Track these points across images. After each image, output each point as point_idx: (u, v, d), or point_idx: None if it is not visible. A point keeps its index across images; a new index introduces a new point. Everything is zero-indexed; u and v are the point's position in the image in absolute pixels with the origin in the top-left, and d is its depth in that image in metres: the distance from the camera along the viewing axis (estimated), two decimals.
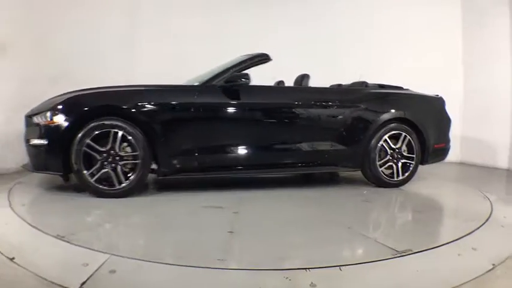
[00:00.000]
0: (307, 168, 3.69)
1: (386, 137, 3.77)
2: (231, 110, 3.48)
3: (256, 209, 3.05)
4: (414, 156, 3.88)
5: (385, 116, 3.79)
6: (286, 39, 5.66)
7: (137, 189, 3.26)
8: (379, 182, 3.83)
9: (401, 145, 3.85)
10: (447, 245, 2.26)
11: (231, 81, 3.43)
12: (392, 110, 3.83)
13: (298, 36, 5.73)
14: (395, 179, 3.83)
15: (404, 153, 3.87)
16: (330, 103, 3.67)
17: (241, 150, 3.50)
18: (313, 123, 3.66)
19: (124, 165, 3.20)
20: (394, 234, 2.53)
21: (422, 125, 3.90)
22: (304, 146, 3.63)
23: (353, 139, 3.74)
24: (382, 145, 3.77)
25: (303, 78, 4.00)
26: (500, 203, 3.51)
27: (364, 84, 4.19)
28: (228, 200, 3.22)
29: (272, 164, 3.59)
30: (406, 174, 3.87)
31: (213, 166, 3.48)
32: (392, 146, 3.82)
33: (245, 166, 3.52)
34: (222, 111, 3.47)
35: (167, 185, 3.75)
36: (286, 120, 3.62)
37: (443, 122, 4.20)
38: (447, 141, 4.22)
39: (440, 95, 4.31)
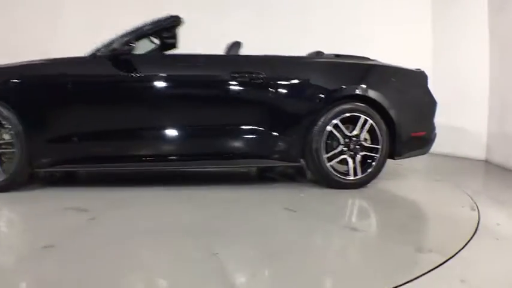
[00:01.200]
0: (227, 162, 2.81)
1: (337, 120, 2.81)
2: (120, 85, 2.70)
3: (124, 215, 2.23)
4: (379, 147, 2.90)
5: (335, 93, 2.83)
6: (252, 11, 4.80)
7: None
8: (329, 181, 2.87)
9: (360, 132, 2.87)
10: (418, 280, 1.44)
11: (119, 50, 2.66)
12: (346, 85, 2.87)
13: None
14: (352, 178, 2.85)
15: (365, 143, 2.90)
16: (257, 75, 2.75)
17: (135, 138, 2.70)
18: (233, 101, 2.79)
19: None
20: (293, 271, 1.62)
21: (392, 107, 2.88)
22: (221, 132, 2.76)
23: (289, 123, 2.81)
24: (330, 131, 2.82)
25: (234, 46, 3.11)
26: (488, 204, 2.62)
27: (319, 54, 3.25)
28: (101, 201, 2.44)
29: (177, 155, 2.75)
30: (368, 171, 2.89)
31: (100, 157, 2.70)
32: (347, 133, 2.85)
33: (140, 158, 2.71)
34: (107, 87, 2.70)
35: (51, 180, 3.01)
36: (195, 99, 2.77)
37: (425, 103, 3.14)
38: (430, 128, 3.16)
39: (422, 69, 3.28)
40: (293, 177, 3.42)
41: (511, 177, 3.67)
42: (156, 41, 3.37)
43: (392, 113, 2.89)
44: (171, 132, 2.71)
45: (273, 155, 2.80)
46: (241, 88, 2.76)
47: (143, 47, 3.12)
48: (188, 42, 3.16)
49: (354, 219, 2.37)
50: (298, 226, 2.08)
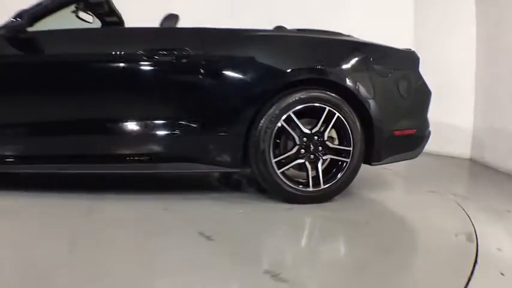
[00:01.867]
0: (142, 166, 2.14)
1: (291, 113, 2.12)
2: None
3: None
4: (350, 149, 2.19)
5: (289, 76, 2.12)
6: None
7: None
8: (280, 194, 2.17)
9: (323, 129, 2.17)
10: None
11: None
12: (304, 66, 2.16)
13: None
14: (311, 190, 2.15)
15: (331, 144, 2.19)
16: (180, 53, 2.06)
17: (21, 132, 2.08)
18: (149, 88, 2.11)
19: None
20: None
21: (369, 96, 2.17)
22: (133, 128, 2.10)
23: (224, 116, 2.12)
24: (282, 128, 2.13)
25: (168, 19, 2.44)
26: (483, 220, 2.14)
27: (279, 29, 2.56)
28: None
29: (80, 156, 2.11)
30: (334, 180, 2.19)
31: None
32: (305, 131, 2.15)
33: (23, 158, 2.09)
34: None
35: None
36: (98, 85, 2.11)
37: (415, 92, 2.39)
38: (422, 125, 2.42)
39: (412, 49, 2.53)
40: (238, 185, 2.70)
41: (499, 178, 3.25)
42: (89, 19, 2.78)
43: (368, 104, 2.17)
44: (68, 128, 2.07)
45: (204, 158, 2.11)
46: (158, 70, 2.09)
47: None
48: None
49: (288, 259, 1.60)
50: (194, 270, 1.38)
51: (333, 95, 2.14)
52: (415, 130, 2.38)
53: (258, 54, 2.15)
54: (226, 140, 2.09)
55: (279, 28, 2.58)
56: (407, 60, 2.43)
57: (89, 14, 2.75)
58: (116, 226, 1.79)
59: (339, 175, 2.18)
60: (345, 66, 2.18)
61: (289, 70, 2.11)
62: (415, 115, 2.41)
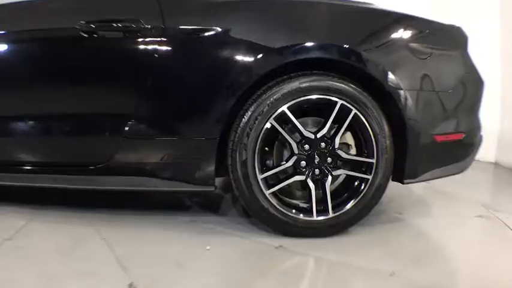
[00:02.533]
0: (82, 179, 1.53)
1: (285, 108, 1.47)
2: None
3: None
4: (373, 161, 1.53)
5: (283, 55, 1.46)
6: None
7: None
8: (270, 223, 1.53)
9: (334, 132, 1.53)
10: None
11: None
12: (302, 41, 1.47)
13: None
14: (314, 219, 1.50)
15: (345, 154, 1.54)
16: (129, 26, 1.44)
17: None
18: (89, 73, 1.50)
19: None
20: None
21: (398, 85, 1.50)
22: (72, 129, 1.51)
23: (190, 113, 1.48)
24: (271, 128, 1.48)
25: None
26: None
27: None
28: None
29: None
30: (348, 205, 1.52)
31: None
32: (307, 134, 1.50)
33: None
34: None
35: None
36: (26, 69, 1.52)
37: (464, 83, 1.70)
38: (472, 128, 1.74)
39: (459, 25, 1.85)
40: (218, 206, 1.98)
41: None
42: None
43: (399, 97, 1.51)
44: None
45: (163, 172, 1.51)
46: (102, 48, 1.48)
47: None
48: None
49: None
50: None
51: (348, 83, 1.49)
52: (463, 134, 1.69)
53: (236, 25, 1.49)
54: (192, 148, 1.47)
55: None
56: (453, 38, 1.75)
57: None
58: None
59: (356, 199, 1.53)
60: (366, 44, 1.52)
61: (279, 46, 1.45)
62: (463, 114, 1.72)
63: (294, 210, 1.50)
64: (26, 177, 1.55)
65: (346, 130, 1.56)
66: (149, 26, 1.45)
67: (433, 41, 1.65)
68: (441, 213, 2.02)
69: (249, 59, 1.44)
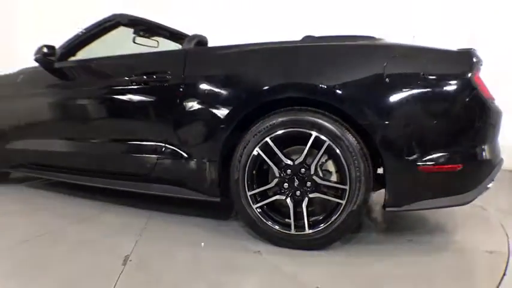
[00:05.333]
0: (138, 185, 2.16)
1: (268, 139, 1.78)
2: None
3: None
4: (346, 187, 1.69)
5: (264, 95, 1.78)
6: None
7: None
8: (258, 233, 1.86)
9: (308, 160, 1.75)
10: None
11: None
12: (279, 82, 1.76)
13: None
14: (293, 233, 1.76)
15: (319, 179, 1.74)
16: (162, 77, 2.02)
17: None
18: (134, 112, 2.17)
19: None
20: None
21: (374, 118, 1.63)
22: (128, 149, 2.18)
23: (200, 140, 1.95)
24: (257, 156, 1.81)
25: (191, 40, 2.34)
26: None
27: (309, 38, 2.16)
28: None
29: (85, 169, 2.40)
30: (324, 226, 1.72)
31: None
32: (286, 161, 1.76)
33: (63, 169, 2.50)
34: None
35: None
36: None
37: (462, 111, 1.64)
38: (474, 159, 1.65)
39: (471, 48, 1.73)
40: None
41: None
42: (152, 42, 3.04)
43: (375, 129, 1.63)
44: (81, 147, 2.39)
45: (187, 183, 2.02)
46: (140, 94, 2.12)
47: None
48: None
49: None
50: None
51: (323, 117, 1.70)
52: (461, 165, 1.64)
53: (230, 72, 1.92)
54: (202, 167, 1.94)
55: (307, 38, 2.20)
56: (449, 64, 1.70)
57: (148, 38, 3.01)
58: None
59: (330, 220, 1.72)
60: (341, 80, 1.70)
61: (264, 88, 1.78)
62: (460, 144, 1.66)
63: (276, 224, 1.81)
64: (97, 181, 2.34)
65: (329, 158, 1.78)
66: (173, 76, 2.01)
67: (422, 68, 1.65)
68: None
69: (235, 99, 1.84)
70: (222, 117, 1.85)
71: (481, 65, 1.77)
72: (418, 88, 1.64)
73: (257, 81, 1.83)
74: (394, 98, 1.65)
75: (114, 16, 2.43)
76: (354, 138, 1.67)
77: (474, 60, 1.70)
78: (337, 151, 1.68)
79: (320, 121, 1.70)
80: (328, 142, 1.69)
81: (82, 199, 2.60)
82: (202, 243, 1.86)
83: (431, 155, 1.64)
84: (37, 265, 1.62)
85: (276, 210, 1.87)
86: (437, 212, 2.36)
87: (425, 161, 1.63)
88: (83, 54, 2.56)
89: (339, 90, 1.68)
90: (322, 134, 1.70)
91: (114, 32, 2.62)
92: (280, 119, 1.76)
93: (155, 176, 2.09)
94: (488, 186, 1.80)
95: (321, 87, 1.69)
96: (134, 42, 2.84)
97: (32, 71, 2.62)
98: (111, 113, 2.28)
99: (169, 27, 2.88)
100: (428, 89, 1.63)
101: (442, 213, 2.36)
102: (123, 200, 2.50)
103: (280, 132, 1.76)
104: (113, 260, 1.64)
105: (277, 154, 1.77)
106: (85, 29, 2.48)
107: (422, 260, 1.69)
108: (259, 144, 1.79)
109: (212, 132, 1.89)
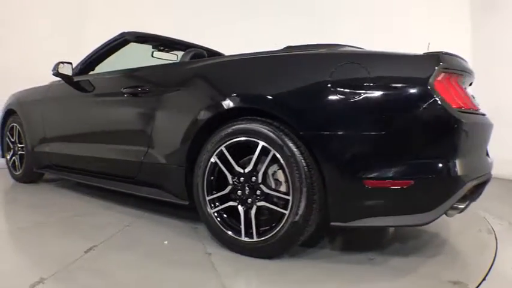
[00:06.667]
0: (128, 186, 2.39)
1: (223, 147, 1.83)
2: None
3: None
4: (289, 198, 1.65)
5: (219, 106, 1.85)
6: None
7: None
8: (216, 236, 1.92)
9: (256, 168, 1.75)
10: None
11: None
12: (228, 94, 1.83)
13: None
14: (243, 240, 1.77)
15: (266, 188, 1.73)
16: (143, 89, 2.25)
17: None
18: (123, 120, 2.44)
19: None
20: None
21: (314, 128, 1.60)
22: (118, 154, 2.45)
23: (170, 148, 2.09)
24: (215, 163, 1.87)
25: (187, 54, 2.53)
26: None
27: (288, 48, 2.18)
28: None
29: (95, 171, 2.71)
30: (270, 235, 1.70)
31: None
32: (237, 169, 1.80)
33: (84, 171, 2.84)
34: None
35: None
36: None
37: (415, 122, 1.49)
38: (428, 174, 1.48)
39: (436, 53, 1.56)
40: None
41: None
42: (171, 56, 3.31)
43: (314, 139, 1.60)
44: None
45: (164, 187, 2.17)
46: (128, 105, 2.36)
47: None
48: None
49: None
50: None
51: (268, 127, 1.70)
52: (412, 181, 1.48)
53: (191, 86, 2.05)
54: (172, 172, 2.08)
55: (287, 48, 2.20)
56: (407, 70, 1.56)
57: (167, 52, 3.28)
58: None
59: (275, 230, 1.70)
60: (284, 89, 1.69)
61: (214, 100, 1.88)
62: (413, 158, 1.50)
63: (230, 230, 1.84)
64: (93, 179, 2.66)
65: (266, 167, 1.76)
66: (150, 89, 2.22)
67: (372, 76, 1.56)
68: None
69: (194, 110, 1.94)
70: (186, 126, 1.98)
71: (456, 70, 1.59)
72: (365, 96, 1.55)
73: (210, 94, 1.95)
74: (337, 107, 1.59)
75: (122, 34, 2.73)
76: (297, 149, 1.65)
77: (441, 64, 1.53)
78: (281, 161, 1.67)
79: (264, 130, 1.71)
80: (272, 151, 1.69)
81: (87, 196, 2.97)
82: (166, 242, 2.00)
83: (376, 168, 1.53)
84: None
85: (235, 217, 1.91)
86: (429, 226, 2.14)
87: (370, 174, 1.53)
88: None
89: (281, 99, 1.69)
90: (267, 143, 1.71)
91: (138, 48, 2.97)
92: (230, 129, 1.82)
93: (140, 180, 2.31)
94: (460, 206, 1.59)
95: (262, 96, 1.72)
96: (152, 57, 3.18)
97: (58, 85, 3.06)
98: (111, 120, 2.56)
99: (185, 41, 3.11)
100: (378, 97, 1.54)
101: (434, 225, 2.13)
102: (124, 199, 2.81)
103: (233, 141, 1.81)
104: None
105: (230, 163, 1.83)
106: (97, 48, 2.85)
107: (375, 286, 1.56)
108: (216, 152, 1.87)
109: (179, 140, 2.02)
